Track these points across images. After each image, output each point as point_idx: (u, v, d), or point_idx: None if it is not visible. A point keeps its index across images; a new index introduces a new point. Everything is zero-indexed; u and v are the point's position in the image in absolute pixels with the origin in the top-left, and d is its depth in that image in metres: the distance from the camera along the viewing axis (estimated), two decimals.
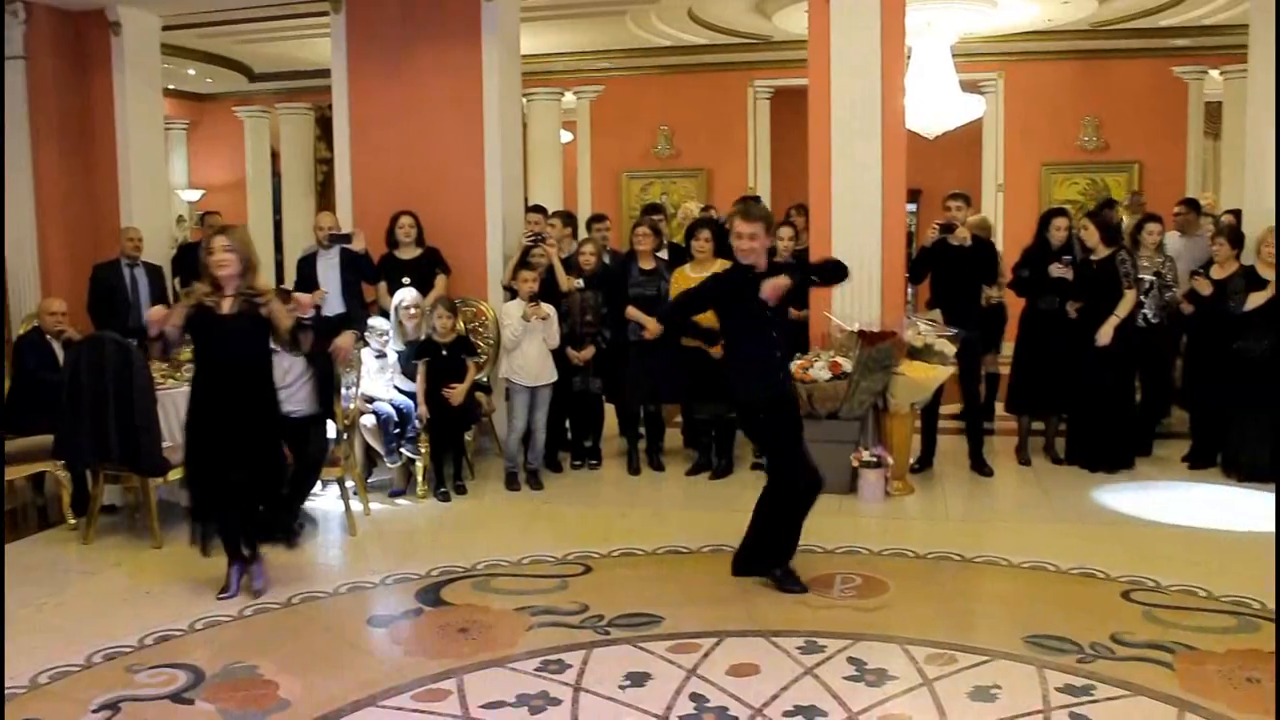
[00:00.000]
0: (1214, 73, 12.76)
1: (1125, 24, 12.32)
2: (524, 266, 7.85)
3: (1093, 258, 7.85)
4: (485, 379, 8.19)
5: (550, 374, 7.67)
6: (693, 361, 7.62)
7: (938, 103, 10.75)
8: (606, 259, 8.32)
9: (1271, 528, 6.55)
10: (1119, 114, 13.04)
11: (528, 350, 7.59)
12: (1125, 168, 13.06)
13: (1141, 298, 7.91)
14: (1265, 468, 7.44)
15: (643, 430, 8.26)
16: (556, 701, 4.34)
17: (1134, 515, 6.98)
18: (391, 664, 4.74)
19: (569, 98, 14.25)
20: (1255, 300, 7.40)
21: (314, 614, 5.38)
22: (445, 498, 7.41)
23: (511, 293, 7.81)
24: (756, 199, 7.48)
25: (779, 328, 5.66)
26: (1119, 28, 12.46)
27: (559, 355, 7.77)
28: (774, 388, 5.56)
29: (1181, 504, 7.24)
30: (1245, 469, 7.58)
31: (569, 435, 8.39)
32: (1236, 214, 8.88)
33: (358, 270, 8.23)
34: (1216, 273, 7.88)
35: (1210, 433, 8.00)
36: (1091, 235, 7.87)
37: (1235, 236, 8.01)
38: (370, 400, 7.31)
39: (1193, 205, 9.70)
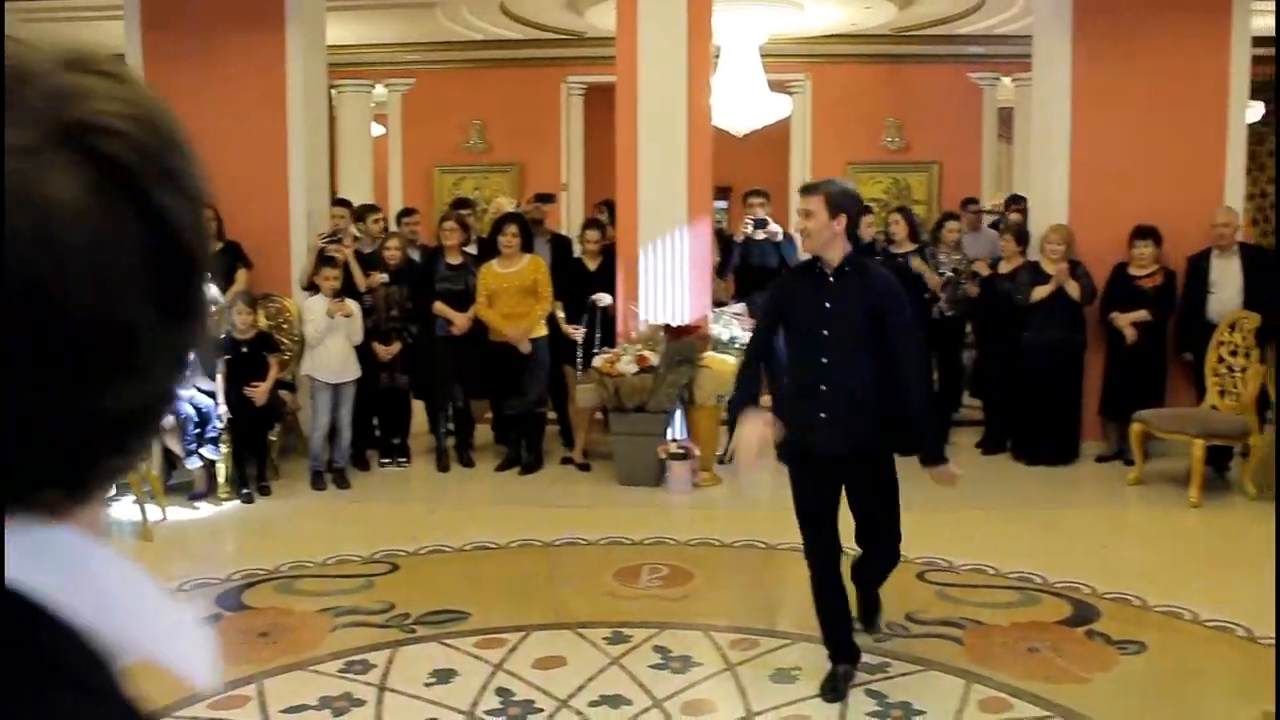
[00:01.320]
0: (1006, 80, 13.36)
1: (925, 30, 12.79)
2: (325, 263, 7.67)
3: (895, 250, 8.16)
4: (290, 377, 7.98)
5: (354, 370, 7.52)
6: (501, 357, 7.60)
7: (746, 101, 10.96)
8: (414, 254, 8.21)
9: (1049, 508, 6.93)
10: (920, 117, 13.51)
11: (331, 347, 7.43)
12: (926, 168, 13.56)
13: (937, 294, 8.23)
14: (1050, 451, 7.85)
15: (451, 426, 8.18)
16: (360, 702, 4.28)
17: (929, 499, 7.23)
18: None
19: (379, 90, 13.99)
20: (1040, 293, 7.78)
21: None
22: (249, 499, 7.19)
23: (314, 289, 7.63)
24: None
25: (842, 354, 4.16)
26: (919, 34, 12.92)
27: (365, 351, 7.63)
28: (800, 436, 4.27)
29: (975, 487, 7.56)
30: (1032, 453, 7.97)
31: (376, 433, 8.24)
32: (1018, 200, 9.33)
33: None
34: (1004, 267, 8.26)
35: (1000, 419, 8.38)
36: (900, 229, 8.19)
37: (1020, 234, 8.42)
38: None
39: (974, 203, 10.26)
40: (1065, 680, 4.44)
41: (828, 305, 4.13)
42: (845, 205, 4.08)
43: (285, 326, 8.14)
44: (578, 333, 7.83)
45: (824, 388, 4.15)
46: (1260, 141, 12.62)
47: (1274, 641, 4.45)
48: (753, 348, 4.65)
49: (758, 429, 4.14)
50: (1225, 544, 6.43)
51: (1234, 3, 8.22)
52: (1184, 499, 7.00)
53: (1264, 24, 8.78)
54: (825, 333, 4.12)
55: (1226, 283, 7.78)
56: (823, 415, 4.16)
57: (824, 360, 4.14)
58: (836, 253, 4.10)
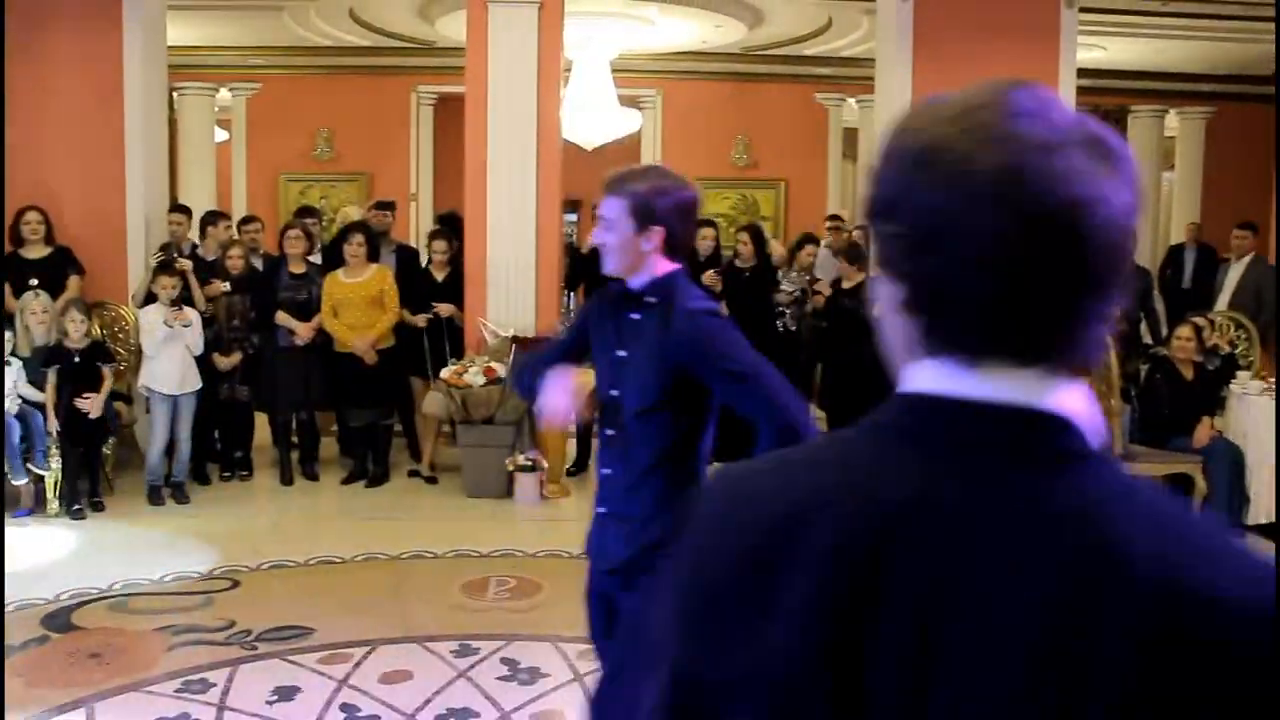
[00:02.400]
0: (851, 100, 13.73)
1: (773, 50, 13.06)
2: (163, 270, 7.42)
3: (740, 264, 8.32)
4: (126, 388, 7.70)
5: (194, 381, 7.29)
6: (346, 368, 7.48)
7: (596, 115, 11.03)
8: (257, 262, 8.02)
9: None
10: (768, 134, 13.79)
11: (169, 357, 7.20)
12: (773, 185, 13.83)
13: (784, 309, 8.40)
14: None
15: (295, 439, 8.00)
16: None
17: None
18: (11, 698, 4.37)
19: (224, 94, 13.63)
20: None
21: None
22: (80, 515, 6.90)
23: (151, 299, 7.39)
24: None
25: (630, 425, 2.84)
26: (768, 54, 13.19)
27: (205, 362, 7.42)
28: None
29: None
30: None
31: (218, 445, 8.00)
32: (865, 229, 9.56)
33: None
34: (846, 285, 8.46)
35: None
36: (747, 247, 8.35)
37: (854, 253, 8.65)
38: None
39: (838, 219, 10.53)
40: None
41: (621, 354, 2.82)
42: (661, 215, 2.73)
43: (121, 336, 7.86)
44: (421, 319, 7.77)
45: (605, 471, 2.97)
46: None
47: None
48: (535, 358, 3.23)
49: (560, 395, 2.89)
50: None
51: (1061, 34, 8.64)
52: None
53: (1086, 56, 9.24)
54: (614, 393, 2.82)
55: None
56: (600, 509, 3.04)
57: (609, 431, 2.90)
58: (641, 278, 2.81)
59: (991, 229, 0.88)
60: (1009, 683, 0.84)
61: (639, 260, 2.79)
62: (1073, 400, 0.93)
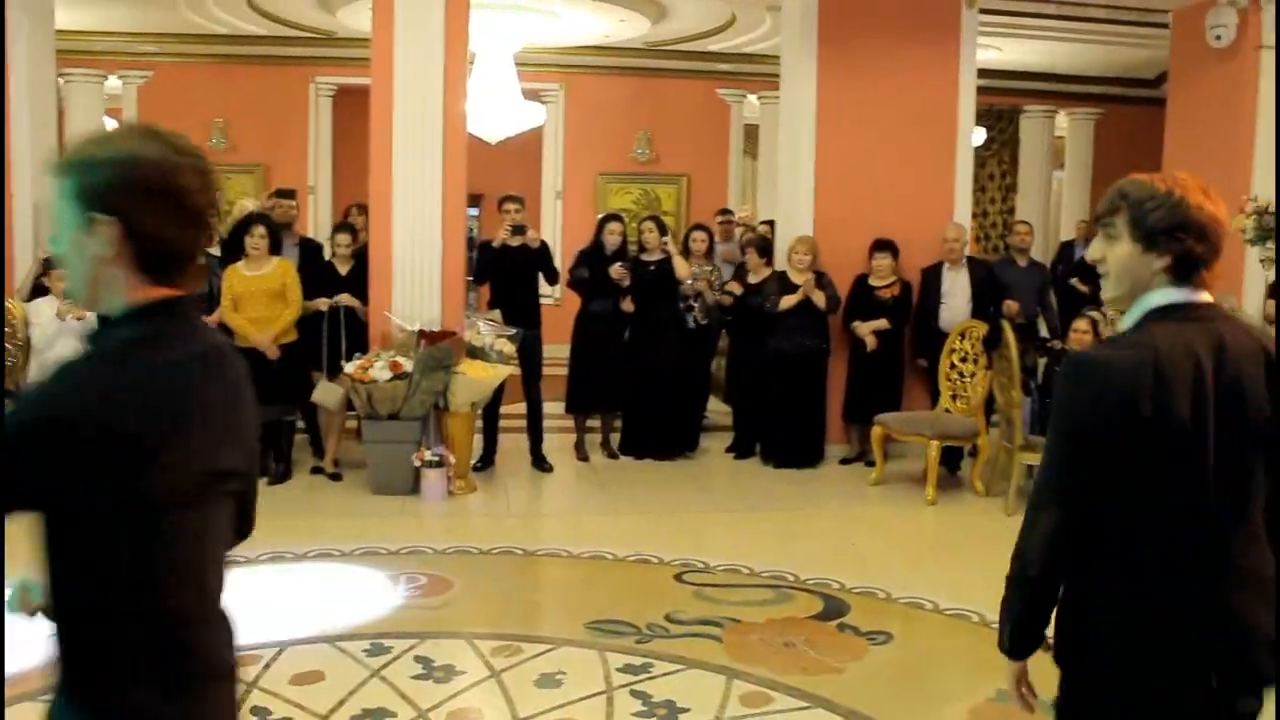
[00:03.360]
0: (752, 97, 13.81)
1: (676, 45, 13.08)
2: (53, 264, 7.16)
3: (646, 258, 8.32)
4: (15, 386, 7.39)
5: None
6: (250, 363, 7.28)
7: (500, 109, 10.91)
8: None
9: (798, 508, 7.19)
10: (670, 130, 13.80)
11: (61, 351, 6.93)
12: (675, 180, 13.85)
13: (692, 302, 8.41)
14: (797, 454, 8.16)
15: None
16: None
17: (685, 503, 7.40)
18: None
19: (113, 82, 13.19)
20: (788, 302, 8.06)
21: None
22: None
23: (40, 292, 7.12)
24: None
25: None
26: (671, 49, 13.21)
27: None
28: None
29: (727, 490, 7.78)
30: (780, 456, 8.25)
31: None
32: (771, 224, 9.64)
33: None
34: (751, 278, 8.52)
35: (750, 425, 8.64)
36: (653, 234, 8.35)
37: (763, 246, 8.72)
38: None
39: (728, 213, 10.59)
40: (821, 671, 4.60)
41: None
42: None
43: (7, 330, 7.54)
44: (321, 304, 7.64)
45: None
46: (982, 165, 13.52)
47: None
48: None
49: None
50: (959, 538, 6.81)
51: (962, 35, 8.79)
52: (921, 497, 7.40)
53: (982, 56, 9.41)
54: None
55: (956, 293, 8.27)
56: None
57: None
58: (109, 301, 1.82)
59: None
60: (1254, 413, 2.11)
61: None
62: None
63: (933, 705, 4.48)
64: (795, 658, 4.76)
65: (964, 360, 7.85)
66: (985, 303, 8.23)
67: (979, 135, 12.16)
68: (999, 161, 14.70)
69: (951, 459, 7.98)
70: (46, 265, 7.17)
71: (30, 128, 7.96)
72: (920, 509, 7.30)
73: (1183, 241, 2.11)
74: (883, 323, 8.23)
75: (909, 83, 8.61)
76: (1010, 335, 7.27)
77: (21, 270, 7.80)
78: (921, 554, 6.56)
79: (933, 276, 8.35)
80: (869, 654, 4.86)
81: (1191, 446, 2.07)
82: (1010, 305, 8.31)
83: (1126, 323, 2.18)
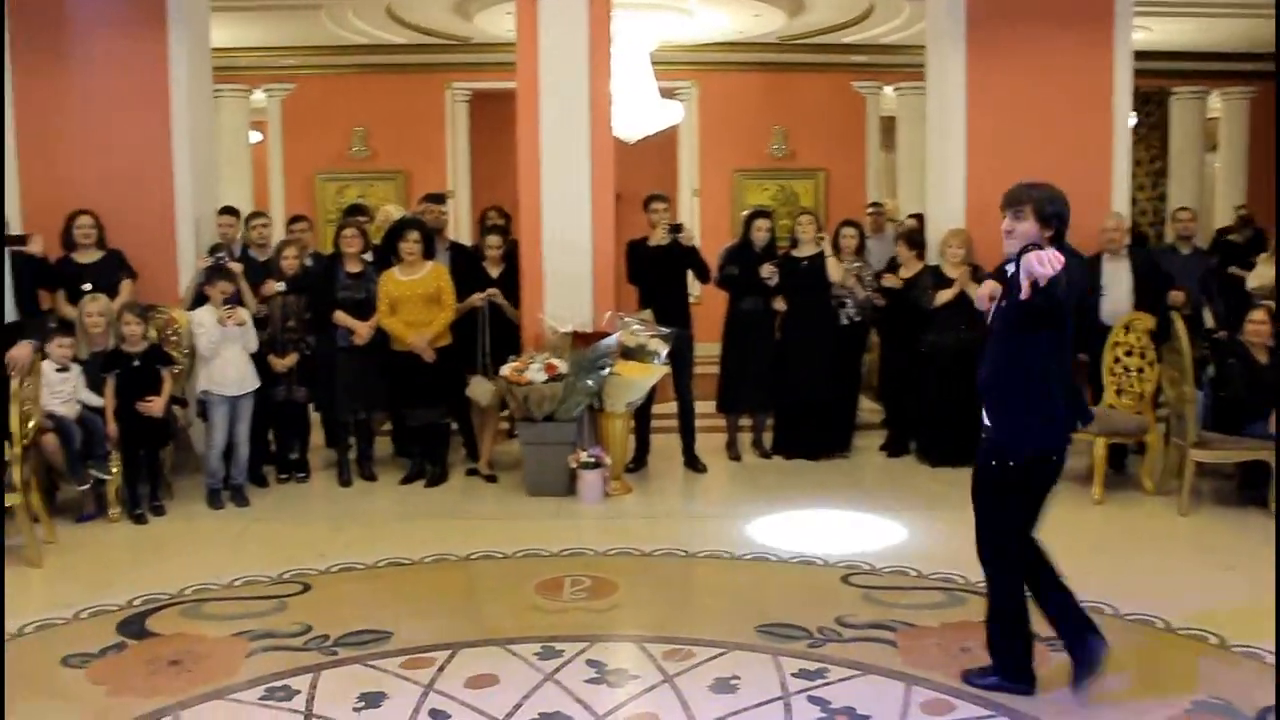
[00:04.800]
0: (889, 89, 13.59)
1: (810, 39, 12.92)
2: (215, 273, 7.34)
3: (798, 254, 8.20)
4: (181, 392, 7.62)
5: (252, 381, 7.22)
6: (405, 367, 7.41)
7: (638, 108, 10.91)
8: (308, 261, 7.94)
9: (959, 508, 7.00)
10: (805, 124, 13.65)
11: (226, 358, 7.13)
12: (811, 175, 13.71)
13: (845, 298, 8.27)
14: (954, 452, 7.95)
15: (352, 440, 7.91)
16: None
17: (843, 502, 7.28)
18: (95, 708, 4.29)
19: (258, 95, 13.58)
20: (943, 297, 7.88)
21: None
22: (141, 520, 6.83)
23: (201, 301, 7.32)
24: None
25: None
26: (804, 43, 13.06)
27: (260, 364, 7.34)
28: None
29: (883, 489, 7.63)
30: (937, 454, 8.06)
31: (273, 447, 7.93)
32: (919, 217, 9.45)
33: (34, 275, 7.48)
34: (903, 273, 8.35)
35: (903, 422, 8.46)
36: (811, 229, 8.22)
37: (914, 240, 8.54)
38: (51, 417, 6.64)
39: (878, 206, 10.37)
40: None
41: None
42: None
43: (174, 339, 7.77)
44: (476, 299, 7.71)
45: None
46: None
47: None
48: None
49: None
50: (1130, 539, 6.56)
51: (1116, 14, 8.48)
52: (1087, 496, 7.16)
53: (1140, 38, 9.08)
54: None
55: (1117, 285, 7.98)
56: None
57: None
58: None
59: None
60: None
61: None
62: None
63: (1126, 717, 4.30)
64: (974, 664, 4.62)
65: (1129, 354, 7.57)
66: (1148, 294, 7.92)
67: (1131, 120, 11.75)
68: (1147, 146, 14.22)
69: (1116, 457, 7.70)
70: (209, 275, 7.36)
71: (191, 143, 8.19)
72: (1087, 509, 7.06)
73: None
74: None
75: (1061, 66, 8.36)
76: (1180, 327, 6.99)
77: (184, 281, 8.02)
78: (1092, 556, 6.30)
79: (1092, 268, 8.07)
80: (1051, 661, 4.67)
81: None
82: (1176, 295, 7.99)
83: None
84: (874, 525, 6.74)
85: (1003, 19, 8.34)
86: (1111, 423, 7.33)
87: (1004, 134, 8.33)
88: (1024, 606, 4.35)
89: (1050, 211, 4.06)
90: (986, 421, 4.23)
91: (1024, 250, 3.88)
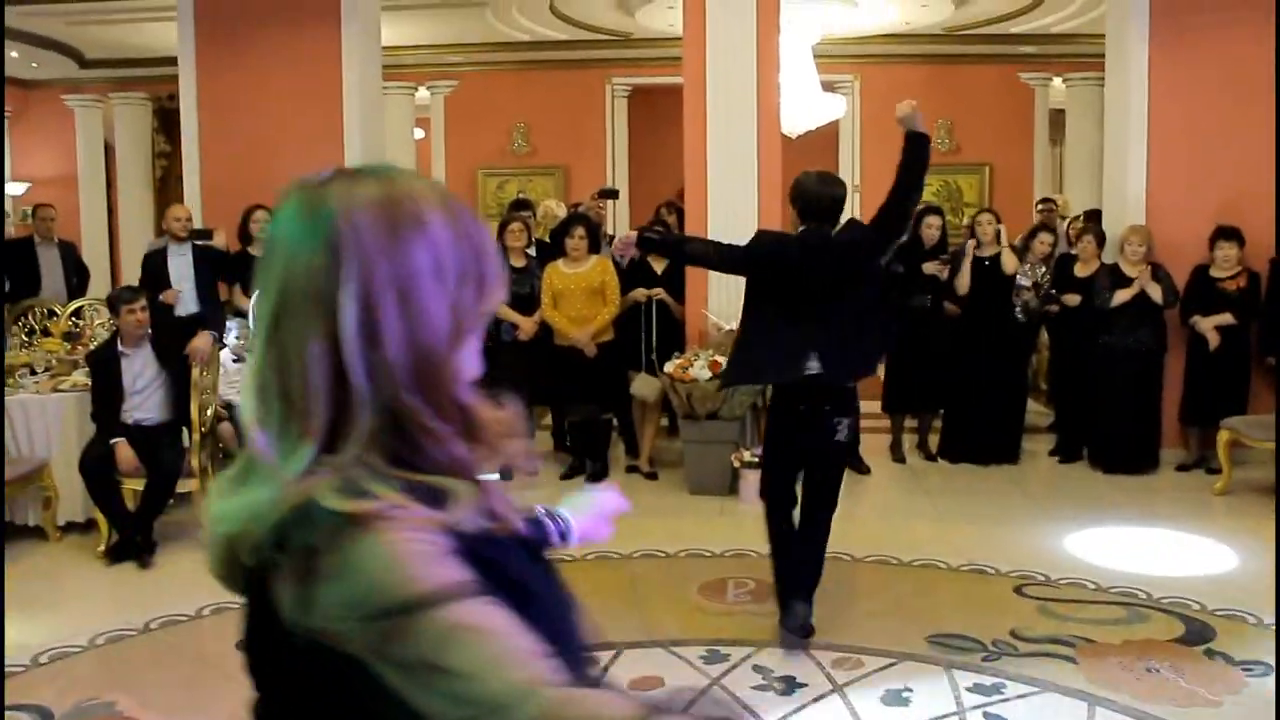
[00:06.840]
0: (1058, 80, 13.12)
1: (976, 30, 12.56)
2: None
3: (980, 254, 7.95)
4: None
5: None
6: (566, 361, 7.42)
7: (801, 102, 10.74)
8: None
9: (1136, 519, 6.70)
10: (969, 117, 13.28)
11: None
12: (977, 170, 13.33)
13: (1027, 303, 7.99)
14: (1129, 459, 7.63)
15: None
16: None
17: (1013, 509, 7.04)
18: None
19: (422, 93, 13.85)
20: (1122, 296, 7.56)
21: (177, 640, 4.97)
22: None
23: None
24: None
25: None
26: (969, 33, 12.70)
27: None
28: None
29: (1055, 497, 7.35)
30: (1111, 461, 7.74)
31: None
32: (1094, 214, 9.09)
33: (216, 268, 7.74)
34: (1080, 269, 8.04)
35: (1076, 426, 8.15)
36: (988, 231, 7.98)
37: (1099, 236, 8.20)
38: (229, 406, 6.86)
39: (1050, 202, 10.04)
40: (1194, 704, 4.22)
41: None
42: None
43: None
44: (640, 294, 7.69)
45: None
46: None
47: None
48: None
49: None
50: None
51: None
52: (1273, 510, 6.76)
53: None
54: None
55: None
56: None
57: None
58: None
59: None
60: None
61: None
62: None
63: None
64: (1162, 686, 4.39)
65: None
66: None
67: None
68: None
69: None
70: None
71: (362, 139, 8.37)
72: (1274, 523, 6.67)
73: None
74: (1226, 317, 7.60)
75: (1250, 55, 7.90)
76: None
77: None
78: None
79: None
80: (1247, 687, 4.42)
81: None
82: None
83: None
84: (1046, 533, 6.49)
85: (1187, 5, 7.94)
86: None
87: (1188, 125, 7.95)
88: None
89: None
90: None
91: None
